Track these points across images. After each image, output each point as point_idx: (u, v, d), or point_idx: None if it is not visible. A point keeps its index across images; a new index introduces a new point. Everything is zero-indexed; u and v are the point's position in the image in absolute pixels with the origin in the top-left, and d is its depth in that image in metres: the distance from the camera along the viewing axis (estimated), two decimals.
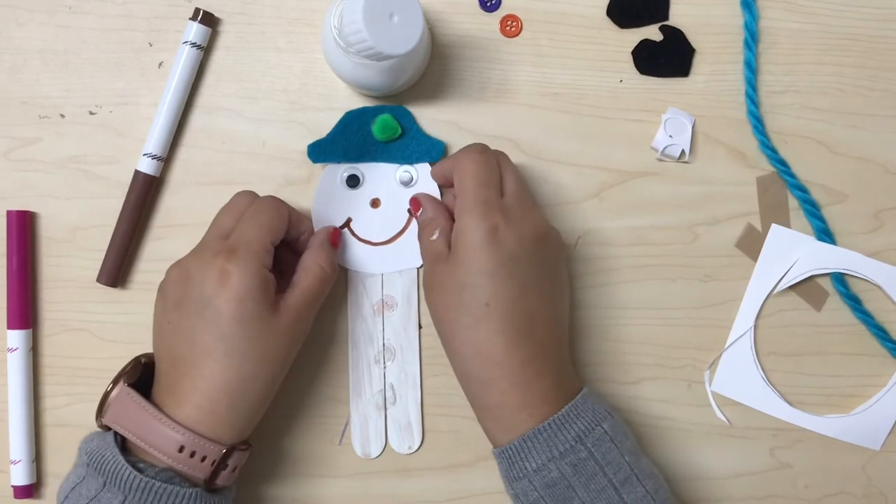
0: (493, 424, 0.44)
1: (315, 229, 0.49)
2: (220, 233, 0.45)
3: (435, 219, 0.47)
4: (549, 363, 0.44)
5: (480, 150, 0.46)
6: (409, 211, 0.51)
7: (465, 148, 0.47)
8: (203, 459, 0.42)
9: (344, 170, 0.51)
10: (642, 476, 0.43)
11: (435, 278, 0.45)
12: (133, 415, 0.42)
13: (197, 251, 0.45)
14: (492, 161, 0.46)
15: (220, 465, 0.42)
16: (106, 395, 0.44)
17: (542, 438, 0.42)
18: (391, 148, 0.50)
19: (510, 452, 0.43)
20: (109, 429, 0.43)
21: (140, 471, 0.41)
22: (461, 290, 0.43)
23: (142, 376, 0.45)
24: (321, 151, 0.50)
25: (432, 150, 0.50)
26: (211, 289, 0.42)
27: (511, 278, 0.43)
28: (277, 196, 0.47)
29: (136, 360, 0.45)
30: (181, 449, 0.41)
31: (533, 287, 0.43)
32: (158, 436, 0.41)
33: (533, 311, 0.43)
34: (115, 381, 0.44)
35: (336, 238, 0.49)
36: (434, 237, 0.46)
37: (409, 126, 0.50)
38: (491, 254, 0.43)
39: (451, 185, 0.47)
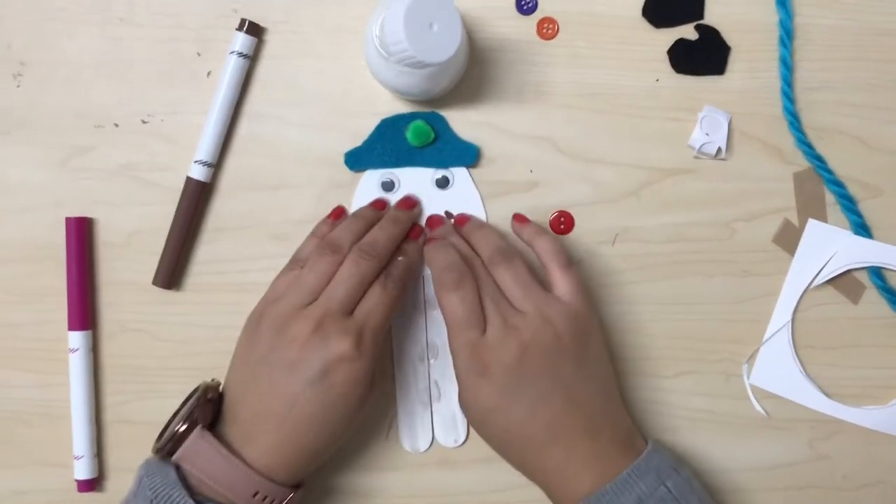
0: (552, 492, 0.46)
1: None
2: (330, 247, 0.47)
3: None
4: (589, 456, 0.45)
5: (453, 285, 0.46)
6: (446, 213, 0.52)
7: (439, 277, 0.47)
8: (272, 502, 0.44)
9: (380, 175, 0.52)
10: None
11: (470, 395, 0.46)
12: (210, 458, 0.43)
13: (310, 311, 0.45)
14: (468, 296, 0.46)
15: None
16: (178, 434, 0.44)
17: (603, 502, 0.43)
18: (425, 153, 0.52)
19: None
20: (170, 456, 0.44)
21: None
22: (481, 423, 0.47)
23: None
24: (358, 159, 0.52)
25: (466, 154, 0.52)
26: (334, 361, 0.44)
27: (514, 403, 0.44)
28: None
29: (205, 397, 0.46)
30: (255, 494, 0.43)
31: (540, 401, 0.44)
32: (235, 481, 0.43)
33: (550, 421, 0.45)
34: (186, 420, 0.44)
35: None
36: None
37: (442, 130, 0.52)
38: (486, 388, 0.45)
39: None
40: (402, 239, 0.49)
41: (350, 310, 0.45)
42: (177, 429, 0.44)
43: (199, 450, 0.43)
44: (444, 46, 0.43)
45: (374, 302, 0.46)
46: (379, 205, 0.51)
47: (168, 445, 0.44)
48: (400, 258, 0.48)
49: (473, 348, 0.45)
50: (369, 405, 0.46)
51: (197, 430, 0.44)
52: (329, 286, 0.45)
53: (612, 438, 0.46)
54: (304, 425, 0.44)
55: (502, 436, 0.46)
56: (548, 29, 0.52)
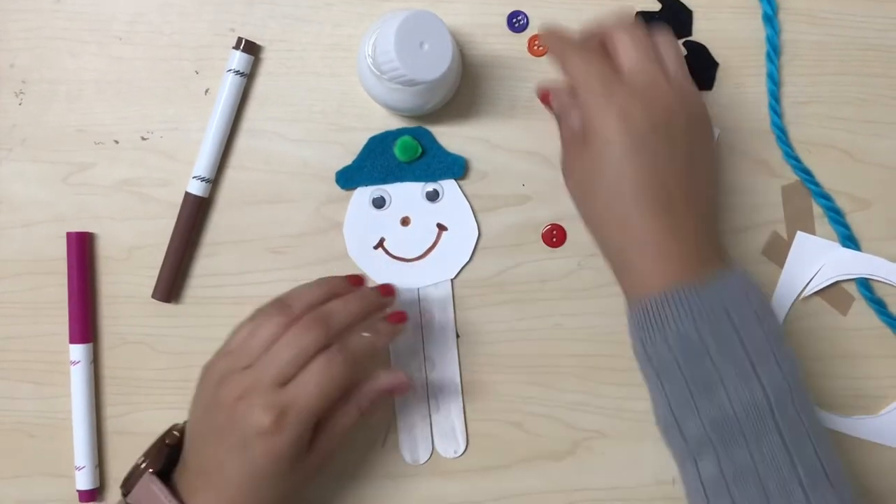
0: (631, 286, 0.44)
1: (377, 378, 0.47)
2: (285, 310, 0.45)
3: (572, 105, 0.46)
4: (692, 238, 0.43)
5: (582, 37, 0.45)
6: (438, 225, 0.53)
7: (563, 41, 0.46)
8: None
9: (371, 192, 0.53)
10: (779, 353, 0.41)
11: (571, 162, 0.46)
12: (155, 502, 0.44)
13: (242, 377, 0.44)
14: (592, 42, 0.45)
15: None
16: (136, 469, 0.46)
17: (683, 297, 0.41)
18: (414, 167, 0.53)
19: (649, 306, 0.42)
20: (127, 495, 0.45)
21: None
22: (594, 172, 0.44)
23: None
24: (349, 178, 0.53)
25: (454, 166, 0.53)
26: (252, 435, 0.42)
27: (641, 155, 0.42)
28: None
29: (163, 442, 0.47)
30: None
31: (666, 164, 0.43)
32: None
33: (670, 189, 0.43)
34: (146, 455, 0.46)
35: (396, 388, 0.47)
36: (572, 122, 0.46)
37: (429, 145, 0.53)
38: (623, 136, 0.42)
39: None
40: (362, 318, 0.46)
41: (285, 381, 0.43)
42: (133, 468, 0.46)
43: (146, 494, 0.44)
44: (435, 65, 0.44)
45: (312, 377, 0.43)
46: (355, 280, 0.49)
47: (126, 485, 0.46)
48: (365, 334, 0.45)
49: (611, 88, 0.43)
50: (313, 472, 0.45)
51: (146, 476, 0.45)
52: (268, 353, 0.44)
53: (711, 235, 0.45)
54: (235, 489, 0.43)
55: (615, 188, 0.43)
56: (539, 46, 0.53)
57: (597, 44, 0.46)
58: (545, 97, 0.49)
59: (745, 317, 0.41)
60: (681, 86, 0.44)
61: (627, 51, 0.44)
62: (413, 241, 0.53)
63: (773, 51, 0.52)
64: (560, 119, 0.48)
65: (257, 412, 0.42)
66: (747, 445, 0.40)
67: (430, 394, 0.53)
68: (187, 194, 0.52)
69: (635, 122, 0.42)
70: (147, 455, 0.46)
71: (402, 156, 0.52)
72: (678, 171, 0.43)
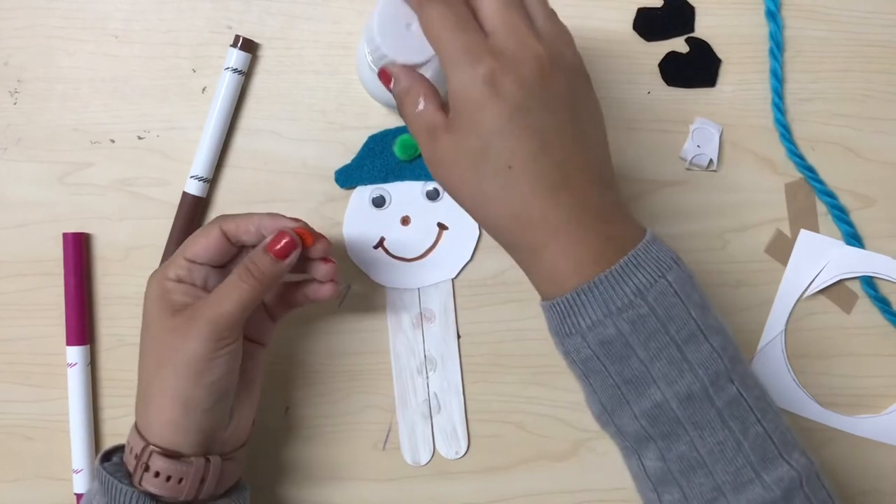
0: (542, 281, 0.40)
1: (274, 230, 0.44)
2: None
3: (412, 86, 0.40)
4: (597, 213, 0.38)
5: None
6: (438, 224, 0.52)
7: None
8: (181, 481, 0.43)
9: (371, 191, 0.52)
10: (709, 332, 0.38)
11: (439, 153, 0.39)
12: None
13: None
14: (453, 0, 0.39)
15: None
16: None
17: (597, 293, 0.37)
18: (414, 166, 0.52)
19: (562, 307, 0.38)
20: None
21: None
22: (476, 158, 0.38)
23: None
24: (348, 177, 0.52)
25: None
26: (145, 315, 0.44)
27: (526, 129, 0.37)
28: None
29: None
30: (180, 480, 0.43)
31: (554, 133, 0.38)
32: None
33: (562, 160, 0.38)
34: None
35: (282, 249, 0.43)
36: (420, 107, 0.39)
37: None
38: (495, 107, 0.37)
39: None
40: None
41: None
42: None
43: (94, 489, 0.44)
44: (423, 47, 0.41)
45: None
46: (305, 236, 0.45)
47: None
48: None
49: (475, 54, 0.37)
50: (197, 345, 0.42)
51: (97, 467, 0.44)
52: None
53: (615, 203, 0.40)
54: (140, 371, 0.44)
55: (501, 174, 0.38)
56: None
57: None
58: (385, 77, 0.42)
59: (664, 297, 0.37)
60: (552, 39, 0.39)
61: (488, 3, 0.38)
62: (413, 241, 0.53)
63: (777, 47, 0.52)
64: (402, 103, 0.41)
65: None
66: (689, 436, 0.38)
67: (431, 394, 0.53)
68: (185, 194, 0.52)
69: (506, 90, 0.37)
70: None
71: (402, 154, 0.52)
72: (566, 139, 0.38)
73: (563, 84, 0.38)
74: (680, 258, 0.39)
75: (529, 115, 0.37)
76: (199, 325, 0.42)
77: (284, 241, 0.43)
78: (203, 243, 0.44)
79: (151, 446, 0.42)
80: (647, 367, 0.38)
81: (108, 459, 0.45)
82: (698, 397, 0.37)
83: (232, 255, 0.46)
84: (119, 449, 0.45)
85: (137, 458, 0.42)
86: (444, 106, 0.39)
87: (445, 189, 0.40)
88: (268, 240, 0.43)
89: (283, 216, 0.45)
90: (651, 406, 0.38)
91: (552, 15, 0.40)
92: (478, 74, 0.37)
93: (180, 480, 0.42)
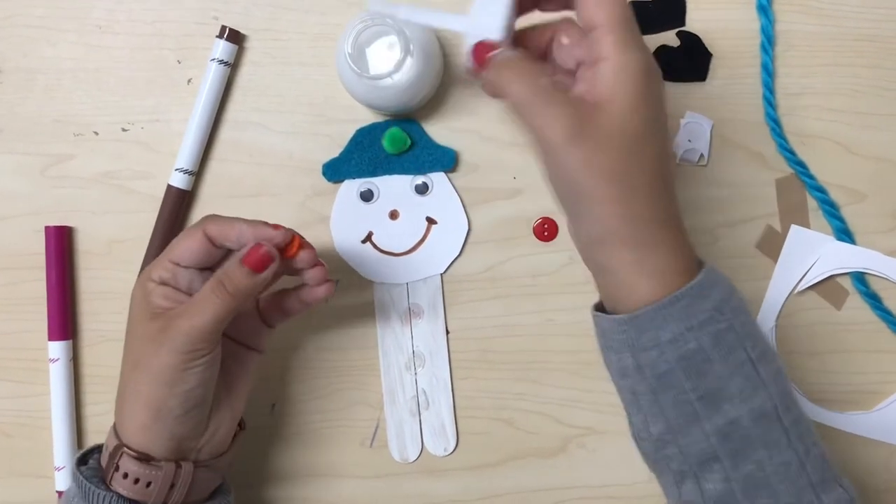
0: (615, 290, 0.39)
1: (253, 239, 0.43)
2: None
3: (519, 57, 0.39)
4: (676, 226, 0.39)
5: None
6: (427, 219, 0.52)
7: None
8: (148, 484, 0.42)
9: (359, 185, 0.52)
10: (769, 351, 0.39)
11: (570, 154, 0.37)
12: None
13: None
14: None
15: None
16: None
17: (679, 306, 0.37)
18: (403, 160, 0.52)
19: (641, 321, 0.37)
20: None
21: None
22: (629, 149, 0.36)
23: None
24: (336, 170, 0.52)
25: (444, 158, 0.52)
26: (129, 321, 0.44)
27: (657, 132, 0.38)
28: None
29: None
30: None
31: (666, 142, 0.39)
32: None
33: (668, 171, 0.39)
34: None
35: (257, 262, 0.42)
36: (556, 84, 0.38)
37: (418, 137, 0.52)
38: (654, 95, 0.37)
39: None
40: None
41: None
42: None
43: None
44: (392, 60, 0.43)
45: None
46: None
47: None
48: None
49: (636, 31, 0.37)
50: (170, 355, 0.41)
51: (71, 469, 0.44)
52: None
53: (682, 230, 0.39)
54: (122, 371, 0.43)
55: (626, 177, 0.37)
56: None
57: None
58: (480, 58, 0.39)
59: (739, 313, 0.38)
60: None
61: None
62: (402, 235, 0.52)
63: (768, 41, 0.52)
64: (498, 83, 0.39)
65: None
66: (758, 455, 0.37)
67: (419, 391, 0.52)
68: (169, 187, 0.51)
69: (653, 86, 0.37)
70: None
71: (390, 148, 0.51)
72: (667, 142, 0.38)
73: (662, 89, 0.39)
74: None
75: (661, 120, 0.38)
76: (171, 335, 0.41)
77: (260, 253, 0.42)
78: (186, 246, 0.43)
79: (124, 447, 0.42)
80: (724, 382, 0.37)
81: (86, 461, 0.44)
82: (770, 416, 0.38)
83: (218, 257, 0.44)
84: (99, 448, 0.44)
85: (111, 457, 0.42)
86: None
87: (562, 188, 0.39)
88: (243, 251, 0.42)
89: (267, 225, 0.43)
90: (725, 423, 0.37)
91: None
92: (645, 57, 0.37)
93: (148, 484, 0.42)
